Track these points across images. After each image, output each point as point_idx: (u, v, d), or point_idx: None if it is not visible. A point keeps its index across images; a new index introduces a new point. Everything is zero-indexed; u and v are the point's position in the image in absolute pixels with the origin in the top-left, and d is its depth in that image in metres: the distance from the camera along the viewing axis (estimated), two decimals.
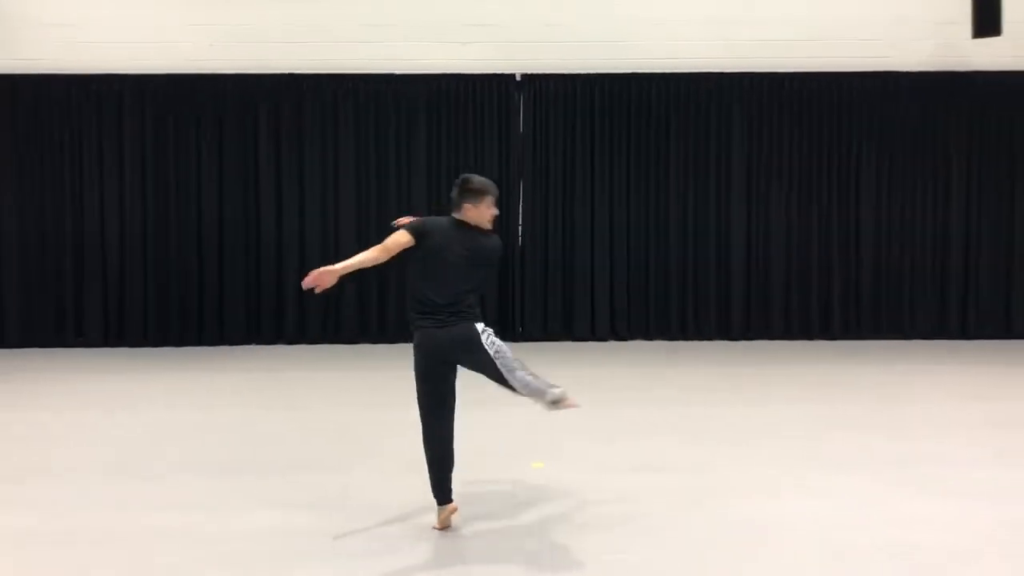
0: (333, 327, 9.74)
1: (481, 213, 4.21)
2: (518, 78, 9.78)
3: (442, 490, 4.12)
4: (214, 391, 7.45)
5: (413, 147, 9.77)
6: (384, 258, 4.08)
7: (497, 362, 3.99)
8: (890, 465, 5.10)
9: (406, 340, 4.43)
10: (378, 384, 7.49)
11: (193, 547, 3.97)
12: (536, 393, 3.96)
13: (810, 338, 9.84)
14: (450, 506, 4.13)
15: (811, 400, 6.92)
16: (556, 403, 3.91)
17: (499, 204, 4.38)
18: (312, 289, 3.95)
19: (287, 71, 9.61)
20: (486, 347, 4.01)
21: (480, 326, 4.08)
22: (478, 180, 4.23)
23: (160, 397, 7.12)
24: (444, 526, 4.13)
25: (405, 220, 4.29)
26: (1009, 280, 9.89)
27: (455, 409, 4.18)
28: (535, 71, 9.75)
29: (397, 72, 9.66)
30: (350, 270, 4.01)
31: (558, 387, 3.94)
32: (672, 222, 9.88)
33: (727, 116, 9.81)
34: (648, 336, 9.89)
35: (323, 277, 3.91)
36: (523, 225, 9.84)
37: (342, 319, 9.72)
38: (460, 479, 4.23)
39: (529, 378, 3.99)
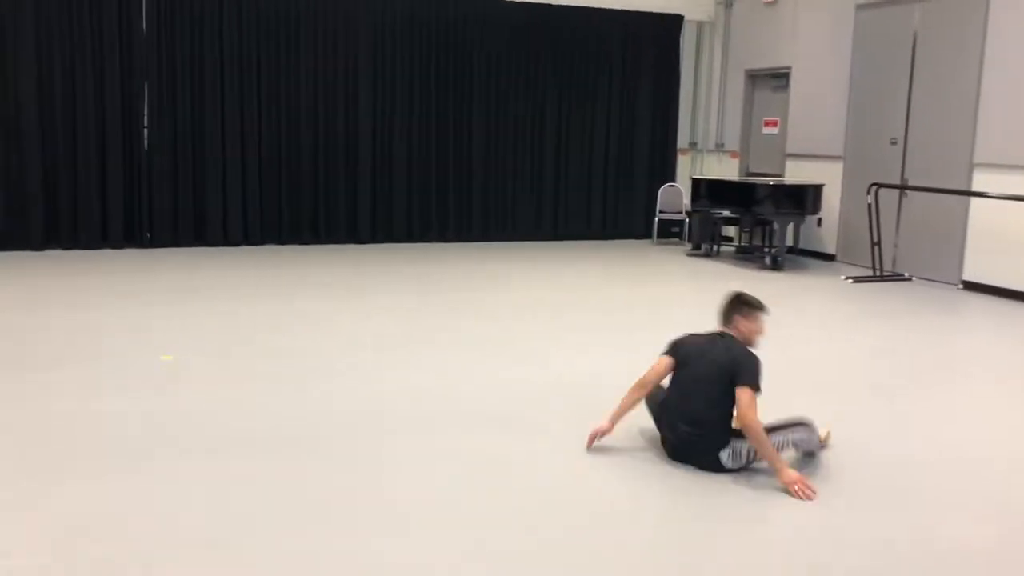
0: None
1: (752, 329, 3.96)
2: None
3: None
4: None
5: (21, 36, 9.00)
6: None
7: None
8: (487, 342, 6.13)
9: None
10: None
11: None
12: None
13: (428, 241, 10.88)
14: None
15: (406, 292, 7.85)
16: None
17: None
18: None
19: None
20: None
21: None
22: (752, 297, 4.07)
23: None
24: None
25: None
26: (590, 189, 11.70)
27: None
28: None
29: None
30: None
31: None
32: (303, 129, 10.21)
33: (354, 32, 10.27)
34: (280, 241, 10.24)
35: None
36: (149, 128, 9.56)
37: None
38: None
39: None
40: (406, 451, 3.92)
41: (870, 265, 9.08)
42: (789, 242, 10.20)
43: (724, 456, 3.71)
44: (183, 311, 6.64)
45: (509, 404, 4.64)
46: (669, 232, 11.72)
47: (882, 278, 8.95)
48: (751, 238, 10.74)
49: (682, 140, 12.21)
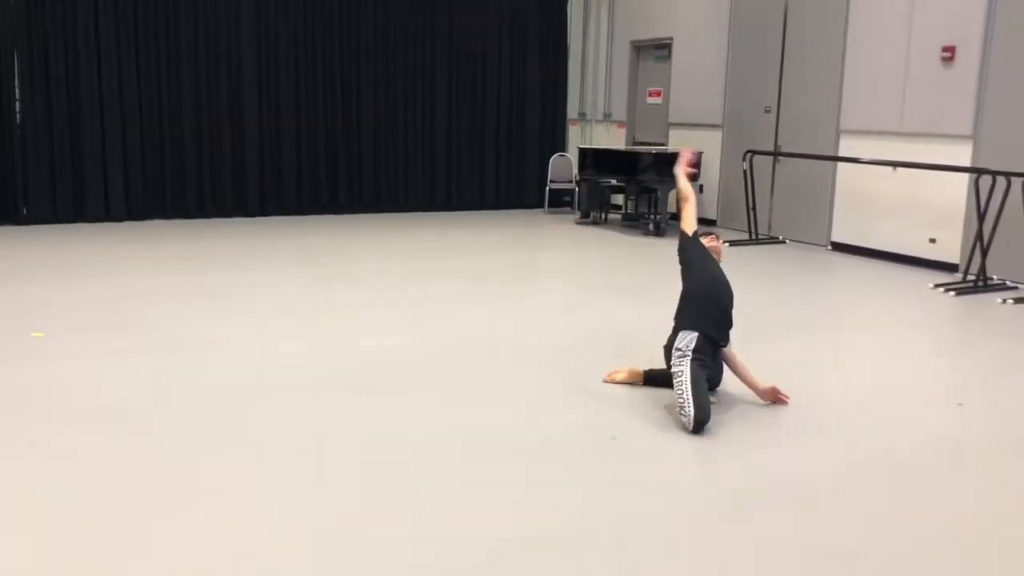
0: None
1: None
2: None
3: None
4: None
5: None
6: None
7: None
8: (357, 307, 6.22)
9: None
10: None
11: None
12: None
13: (319, 213, 10.84)
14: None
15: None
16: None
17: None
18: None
19: None
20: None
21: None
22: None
23: None
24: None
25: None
26: (483, 159, 11.82)
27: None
28: None
29: None
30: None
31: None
32: (185, 98, 10.00)
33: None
34: (166, 215, 10.05)
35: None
36: (22, 100, 9.23)
37: None
38: None
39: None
40: (265, 417, 3.99)
41: (747, 230, 9.47)
42: (672, 209, 10.53)
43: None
44: (60, 288, 6.50)
45: (372, 370, 4.70)
46: (561, 201, 11.95)
47: (757, 241, 9.35)
48: (637, 205, 11.04)
49: (572, 111, 12.43)
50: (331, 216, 10.77)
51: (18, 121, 9.24)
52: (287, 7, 10.39)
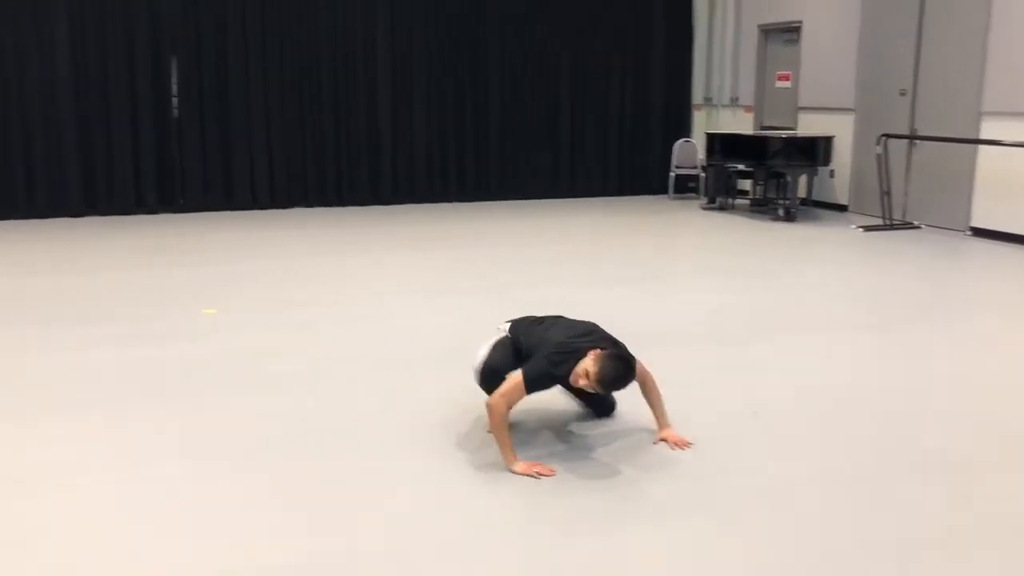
0: None
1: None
2: None
3: None
4: None
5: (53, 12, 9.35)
6: None
7: None
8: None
9: None
10: None
11: None
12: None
13: (447, 200, 11.19)
14: None
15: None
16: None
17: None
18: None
19: None
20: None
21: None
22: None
23: None
24: None
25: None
26: (606, 145, 11.94)
27: None
28: None
29: None
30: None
31: None
32: (324, 96, 10.51)
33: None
34: (308, 203, 10.60)
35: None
36: (179, 99, 9.92)
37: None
38: None
39: None
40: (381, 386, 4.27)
41: (880, 215, 9.30)
42: (802, 194, 10.43)
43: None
44: (224, 269, 7.03)
45: None
46: (685, 187, 11.96)
47: (891, 226, 9.17)
48: (765, 191, 10.96)
49: (697, 96, 12.39)
50: (459, 204, 11.08)
51: (175, 117, 9.93)
52: (419, 4, 10.74)
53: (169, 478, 3.28)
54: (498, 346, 3.70)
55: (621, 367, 3.27)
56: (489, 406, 3.38)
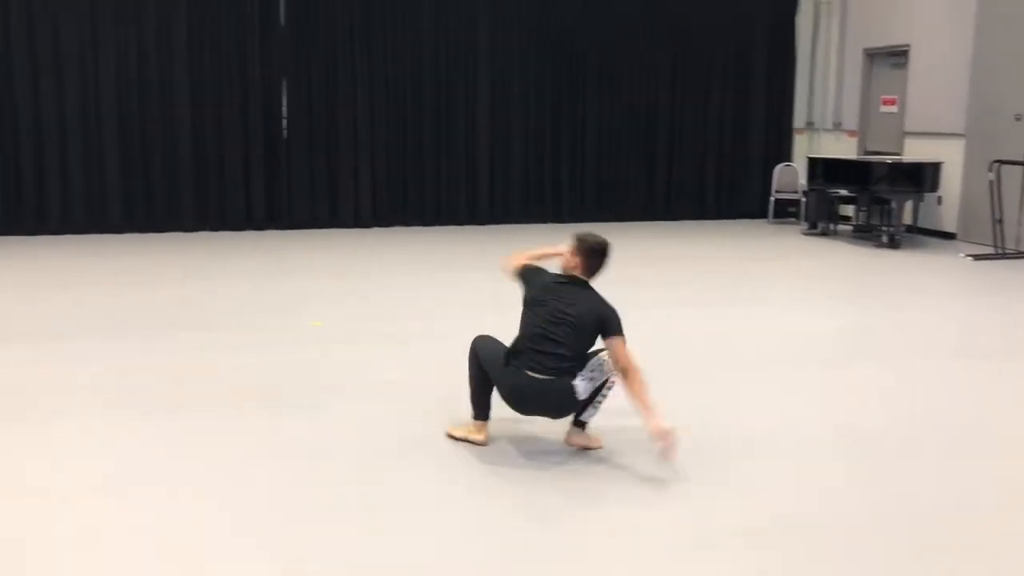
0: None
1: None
2: None
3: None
4: None
5: (175, 37, 9.87)
6: None
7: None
8: None
9: None
10: None
11: None
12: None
13: (543, 221, 11.27)
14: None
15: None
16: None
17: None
18: None
19: None
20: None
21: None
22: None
23: None
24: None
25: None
26: (704, 168, 11.87)
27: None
28: None
29: None
30: None
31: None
32: (426, 120, 10.77)
33: (472, 23, 10.75)
34: (406, 223, 10.85)
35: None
36: (288, 119, 10.31)
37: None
38: None
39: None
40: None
41: (992, 243, 8.99)
42: (907, 221, 10.15)
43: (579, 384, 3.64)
44: (324, 284, 7.26)
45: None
46: (785, 212, 11.77)
47: (1004, 255, 8.85)
48: (868, 217, 10.70)
49: (799, 120, 12.21)
50: (554, 224, 11.12)
51: (285, 137, 10.32)
52: (519, 19, 10.90)
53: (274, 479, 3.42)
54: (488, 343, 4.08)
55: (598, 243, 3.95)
56: (628, 369, 3.57)
